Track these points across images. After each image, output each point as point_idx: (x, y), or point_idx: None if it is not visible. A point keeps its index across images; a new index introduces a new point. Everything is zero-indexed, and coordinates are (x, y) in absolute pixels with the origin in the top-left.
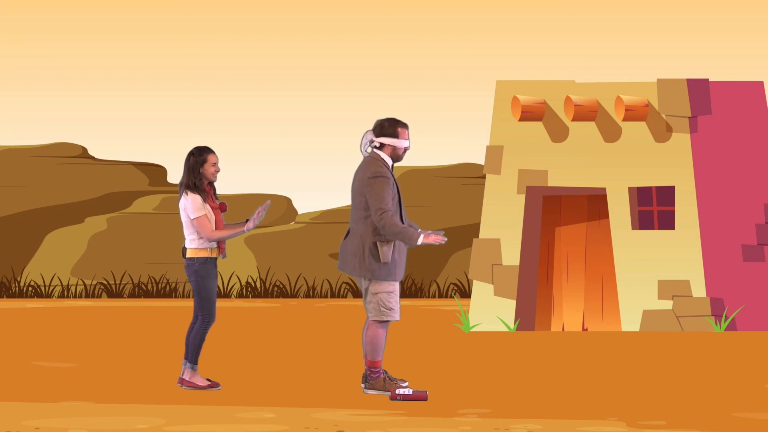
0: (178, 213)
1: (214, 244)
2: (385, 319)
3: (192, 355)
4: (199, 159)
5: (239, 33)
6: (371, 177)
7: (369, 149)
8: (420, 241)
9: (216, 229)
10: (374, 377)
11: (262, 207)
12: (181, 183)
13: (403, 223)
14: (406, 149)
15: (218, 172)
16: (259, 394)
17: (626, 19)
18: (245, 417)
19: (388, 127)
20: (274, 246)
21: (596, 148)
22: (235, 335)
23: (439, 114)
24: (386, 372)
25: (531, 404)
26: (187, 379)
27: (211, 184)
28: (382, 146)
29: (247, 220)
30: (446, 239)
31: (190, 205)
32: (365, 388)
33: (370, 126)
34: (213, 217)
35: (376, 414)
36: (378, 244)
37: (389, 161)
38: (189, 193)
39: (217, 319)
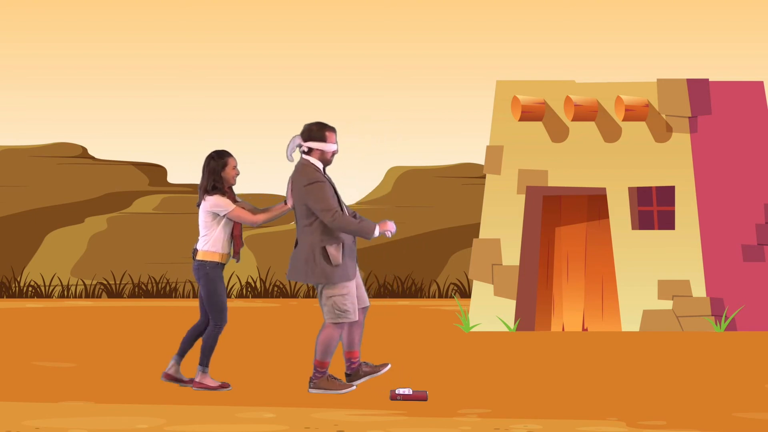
0: (179, 213)
1: (227, 249)
2: (341, 321)
3: (204, 358)
4: (219, 162)
5: (239, 33)
6: (308, 184)
7: (296, 153)
8: (377, 232)
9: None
10: (318, 376)
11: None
12: (201, 187)
13: None
14: (334, 153)
15: (238, 175)
16: (259, 394)
17: (626, 19)
18: (245, 417)
19: (316, 131)
20: (274, 246)
21: (596, 148)
22: (235, 335)
23: (439, 114)
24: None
25: (531, 404)
26: (197, 380)
27: (230, 188)
28: (310, 151)
29: (285, 201)
30: (396, 229)
31: (217, 204)
32: (310, 387)
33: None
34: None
35: (376, 414)
36: (327, 248)
37: (320, 165)
38: (211, 194)
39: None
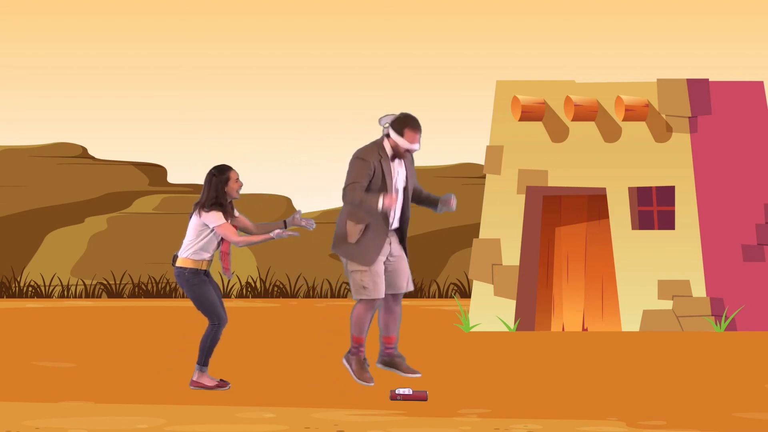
0: (179, 213)
1: (206, 257)
2: (362, 297)
3: (202, 357)
4: (222, 178)
5: (239, 33)
6: (352, 158)
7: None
8: (380, 204)
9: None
10: (354, 351)
11: (291, 219)
12: (200, 201)
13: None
14: (407, 150)
15: (242, 186)
16: (259, 394)
17: (626, 19)
18: (245, 417)
19: (398, 124)
20: (274, 246)
21: (596, 148)
22: (235, 335)
23: (439, 114)
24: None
25: (531, 404)
26: (194, 379)
27: (230, 202)
28: (388, 135)
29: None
30: (396, 196)
31: (206, 218)
32: (344, 357)
33: (370, 126)
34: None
35: (376, 414)
36: (348, 222)
37: (389, 151)
38: (209, 210)
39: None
